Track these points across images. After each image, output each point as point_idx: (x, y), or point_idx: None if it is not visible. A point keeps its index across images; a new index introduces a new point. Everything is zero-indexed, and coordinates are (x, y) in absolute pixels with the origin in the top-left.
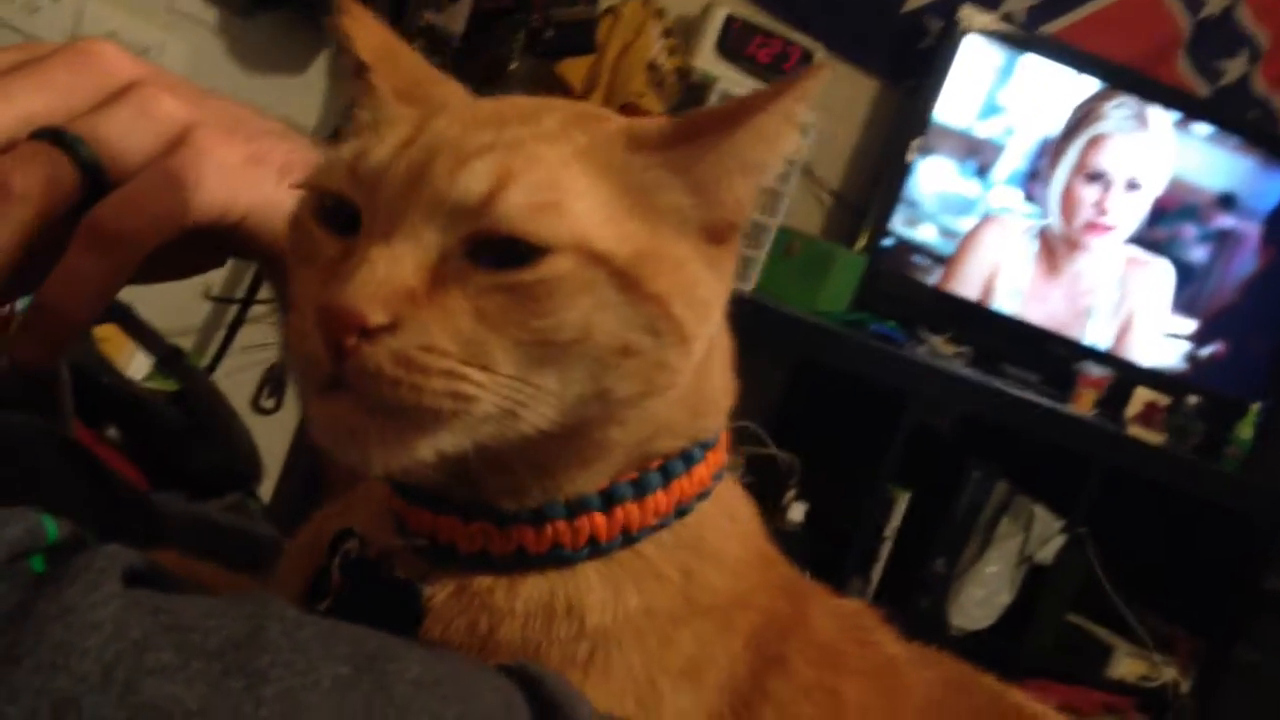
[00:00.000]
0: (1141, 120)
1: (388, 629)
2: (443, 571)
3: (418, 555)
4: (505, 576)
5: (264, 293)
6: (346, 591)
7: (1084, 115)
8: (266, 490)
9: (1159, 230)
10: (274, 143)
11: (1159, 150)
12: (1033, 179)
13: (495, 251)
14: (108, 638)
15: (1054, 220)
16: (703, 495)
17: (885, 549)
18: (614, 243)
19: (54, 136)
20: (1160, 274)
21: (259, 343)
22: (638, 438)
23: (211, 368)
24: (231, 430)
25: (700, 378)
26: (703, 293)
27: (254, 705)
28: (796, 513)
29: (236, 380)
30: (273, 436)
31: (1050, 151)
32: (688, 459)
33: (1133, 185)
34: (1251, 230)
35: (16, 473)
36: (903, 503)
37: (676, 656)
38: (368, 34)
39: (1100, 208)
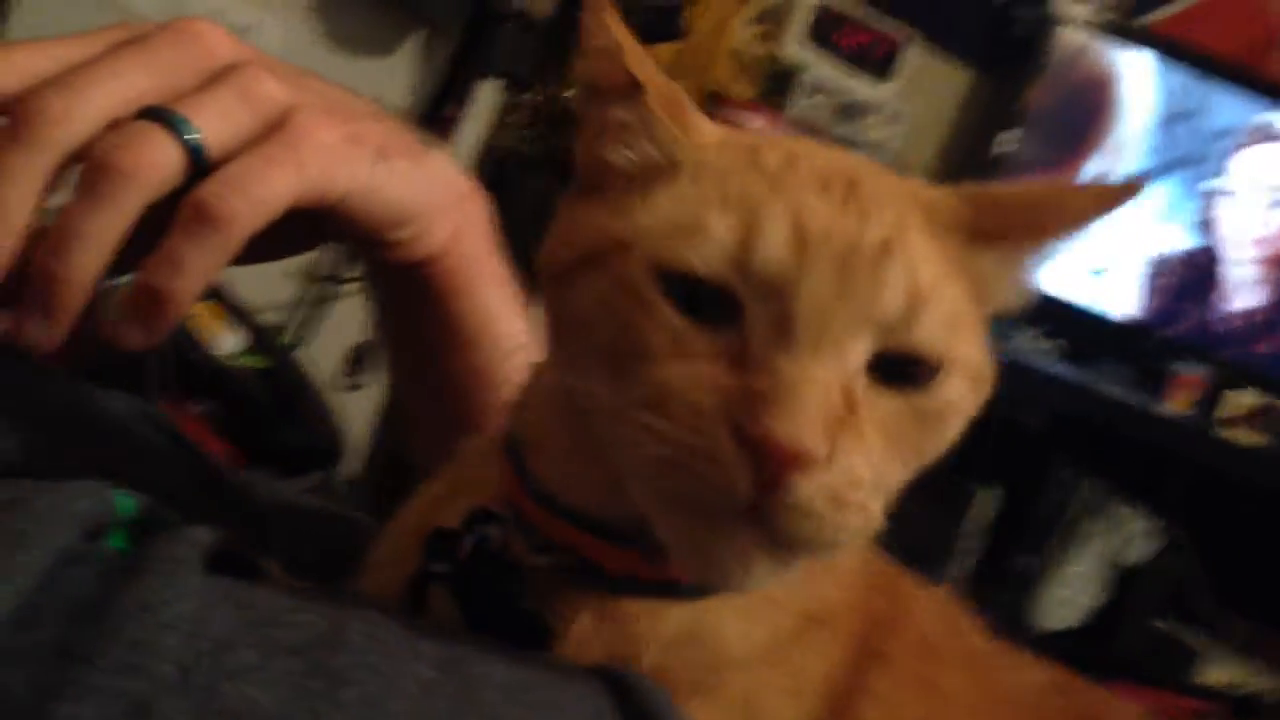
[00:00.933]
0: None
1: (499, 636)
2: (578, 590)
3: (560, 572)
4: (650, 603)
5: (352, 272)
6: (470, 570)
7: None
8: (348, 468)
9: None
10: (370, 124)
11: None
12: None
13: (891, 367)
14: (187, 636)
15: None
16: None
17: (970, 546)
18: (983, 358)
19: (160, 116)
20: None
21: (345, 320)
22: None
23: (296, 345)
24: (316, 409)
25: None
26: None
27: (331, 707)
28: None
29: (322, 357)
30: (356, 414)
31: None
32: None
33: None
34: None
35: (123, 452)
36: (989, 500)
37: (784, 673)
38: (633, 43)
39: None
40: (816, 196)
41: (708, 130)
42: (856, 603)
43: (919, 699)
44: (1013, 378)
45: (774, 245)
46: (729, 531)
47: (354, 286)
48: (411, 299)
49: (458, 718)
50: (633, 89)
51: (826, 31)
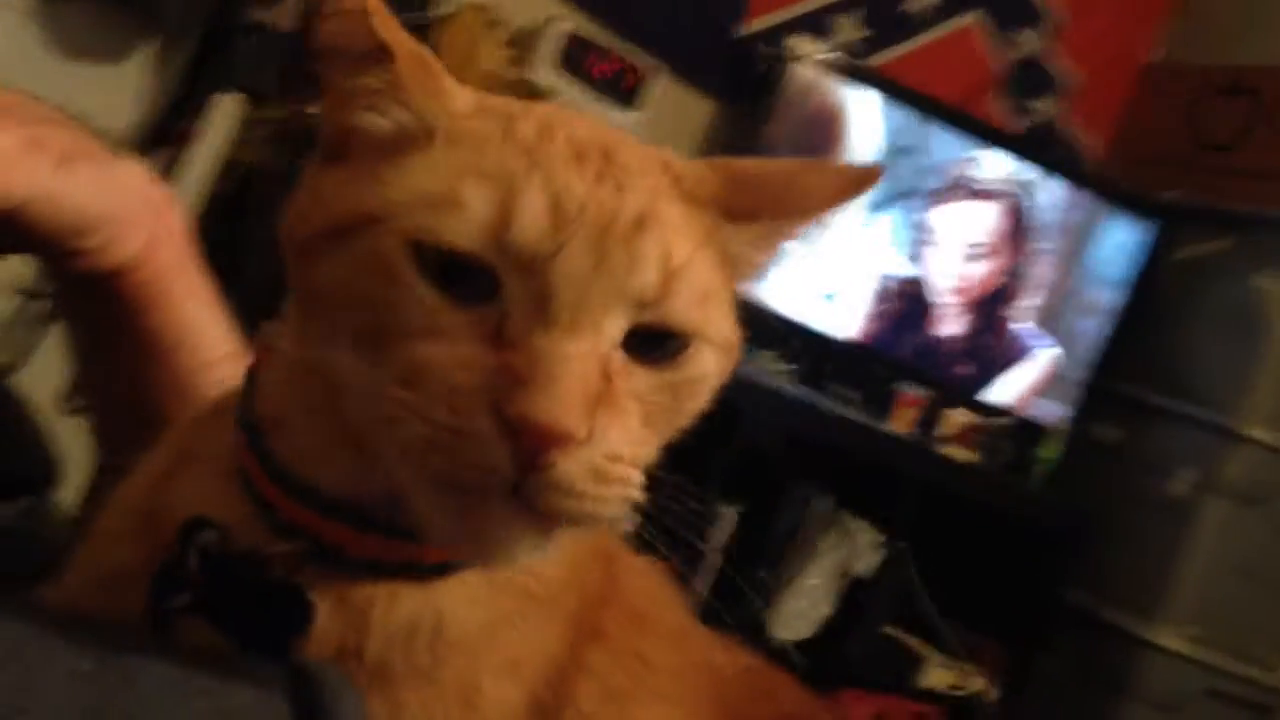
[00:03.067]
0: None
1: (265, 632)
2: (319, 574)
3: (301, 556)
4: (387, 587)
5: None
6: (209, 587)
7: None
8: (68, 494)
9: None
10: (51, 129)
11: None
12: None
13: (645, 340)
14: None
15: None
16: None
17: (712, 562)
18: (732, 328)
19: None
20: None
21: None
22: None
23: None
24: (26, 431)
25: None
26: None
27: None
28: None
29: (43, 380)
30: (83, 438)
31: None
32: None
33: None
34: None
35: None
36: (729, 517)
37: (502, 654)
38: (380, 5)
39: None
40: (572, 169)
41: (461, 97)
42: (574, 579)
43: (630, 671)
44: (751, 399)
45: (531, 219)
46: (492, 509)
47: None
48: (103, 310)
49: (110, 702)
50: (381, 53)
51: (576, 59)
